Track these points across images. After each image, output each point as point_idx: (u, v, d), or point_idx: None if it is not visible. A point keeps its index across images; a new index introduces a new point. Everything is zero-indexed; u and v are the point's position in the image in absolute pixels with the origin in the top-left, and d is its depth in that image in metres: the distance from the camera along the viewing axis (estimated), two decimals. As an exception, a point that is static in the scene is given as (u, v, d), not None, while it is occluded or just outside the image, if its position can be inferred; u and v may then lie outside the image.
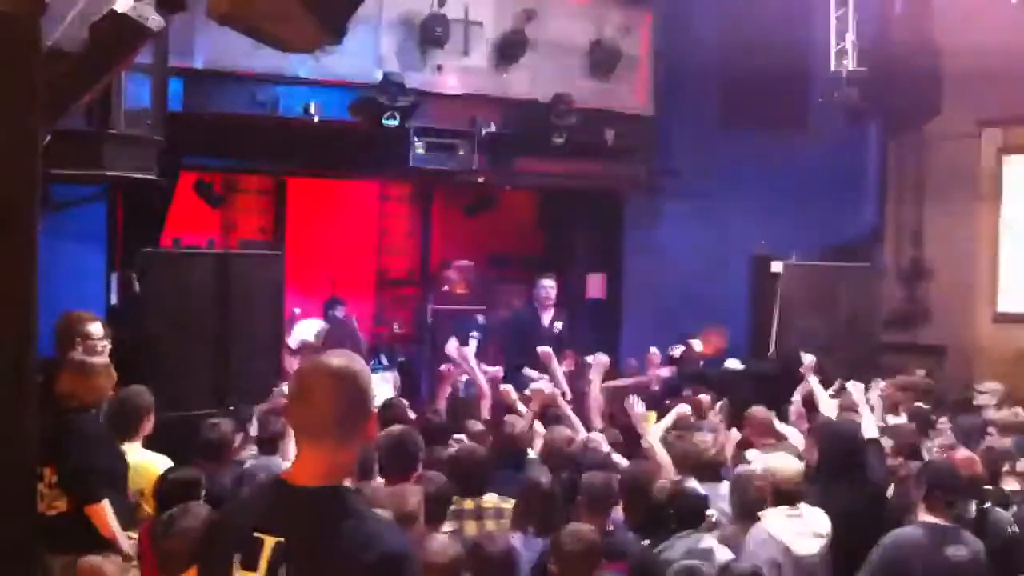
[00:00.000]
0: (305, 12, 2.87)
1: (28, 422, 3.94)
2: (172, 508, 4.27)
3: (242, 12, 2.95)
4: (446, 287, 12.65)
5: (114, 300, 9.20)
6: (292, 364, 8.77)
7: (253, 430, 6.58)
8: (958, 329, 11.34)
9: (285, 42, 3.12)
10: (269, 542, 2.43)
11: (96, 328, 6.13)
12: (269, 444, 6.11)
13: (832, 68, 10.11)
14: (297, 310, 11.22)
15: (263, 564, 2.43)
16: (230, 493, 5.18)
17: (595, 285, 12.57)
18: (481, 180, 11.39)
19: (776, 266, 10.88)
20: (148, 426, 5.69)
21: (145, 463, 5.41)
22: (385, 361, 11.58)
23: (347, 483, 2.61)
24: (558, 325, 9.80)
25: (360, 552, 2.39)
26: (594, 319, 12.15)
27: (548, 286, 9.88)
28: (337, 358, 2.62)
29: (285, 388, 6.80)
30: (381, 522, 2.57)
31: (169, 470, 5.22)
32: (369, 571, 2.39)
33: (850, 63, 10.03)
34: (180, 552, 3.94)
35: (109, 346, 6.14)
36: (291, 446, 5.60)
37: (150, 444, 5.67)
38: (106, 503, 4.93)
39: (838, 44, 10.15)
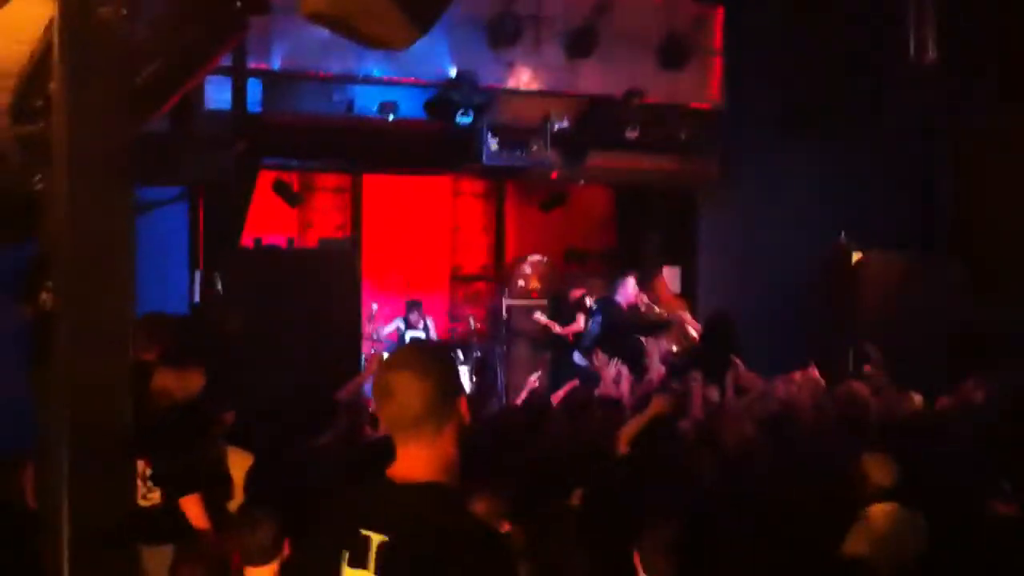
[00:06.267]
0: (397, 9, 2.90)
1: (125, 418, 4.07)
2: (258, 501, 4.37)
3: (335, 10, 3.00)
4: (520, 282, 12.68)
5: (197, 299, 9.40)
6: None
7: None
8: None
9: (376, 39, 3.15)
10: (376, 540, 2.45)
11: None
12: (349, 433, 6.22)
13: (911, 57, 9.87)
14: (375, 305, 11.36)
15: (371, 563, 2.44)
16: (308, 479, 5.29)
17: (669, 280, 12.52)
18: (553, 176, 11.41)
19: (856, 257, 10.74)
20: (229, 418, 5.81)
21: (233, 457, 5.52)
22: (460, 356, 11.67)
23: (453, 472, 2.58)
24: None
25: (459, 550, 2.40)
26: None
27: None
28: (415, 350, 2.72)
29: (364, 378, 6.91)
30: (478, 519, 2.60)
31: (256, 464, 5.33)
32: (469, 569, 2.40)
33: (931, 52, 9.77)
34: (258, 546, 4.03)
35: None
36: None
37: (232, 439, 5.78)
38: (198, 496, 5.04)
39: (917, 34, 9.88)
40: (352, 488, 2.66)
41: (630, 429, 6.37)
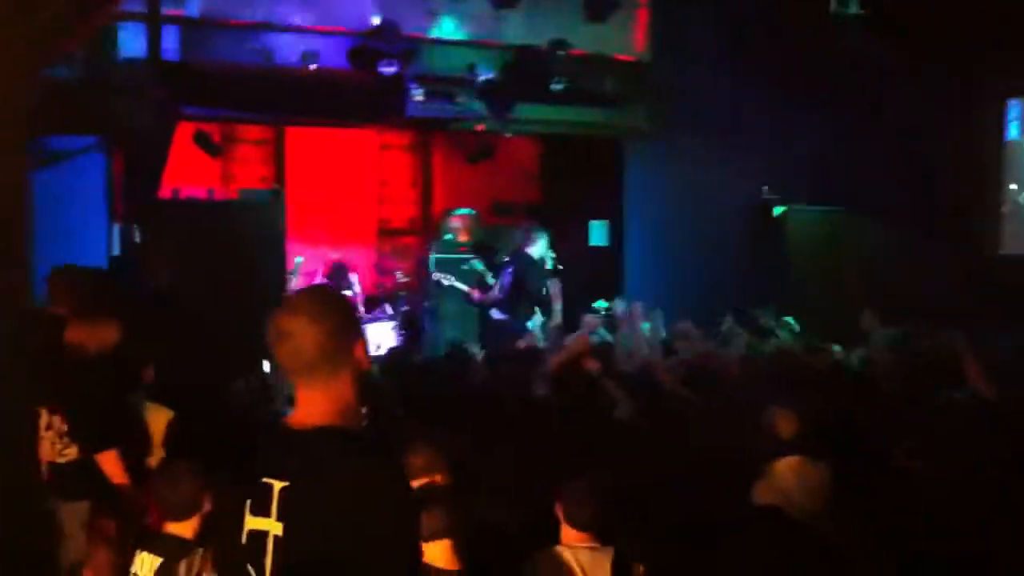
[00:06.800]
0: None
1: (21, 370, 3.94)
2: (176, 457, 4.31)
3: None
4: (448, 235, 12.60)
5: (116, 251, 9.19)
6: None
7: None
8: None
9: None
10: (277, 487, 2.43)
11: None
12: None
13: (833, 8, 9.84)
14: (300, 259, 11.20)
15: (273, 510, 2.42)
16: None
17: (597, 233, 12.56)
18: (479, 128, 11.31)
19: (779, 212, 10.82)
20: (149, 374, 5.70)
21: (152, 412, 5.42)
22: (389, 311, 11.57)
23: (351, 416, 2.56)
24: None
25: (359, 492, 2.38)
26: (596, 267, 12.14)
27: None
28: (310, 294, 2.72)
29: None
30: (378, 460, 2.54)
31: (175, 419, 5.24)
32: (370, 509, 2.37)
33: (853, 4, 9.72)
34: (178, 501, 3.98)
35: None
36: None
37: (153, 393, 5.67)
38: (116, 451, 4.95)
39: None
40: (256, 437, 2.62)
41: (552, 367, 6.42)
